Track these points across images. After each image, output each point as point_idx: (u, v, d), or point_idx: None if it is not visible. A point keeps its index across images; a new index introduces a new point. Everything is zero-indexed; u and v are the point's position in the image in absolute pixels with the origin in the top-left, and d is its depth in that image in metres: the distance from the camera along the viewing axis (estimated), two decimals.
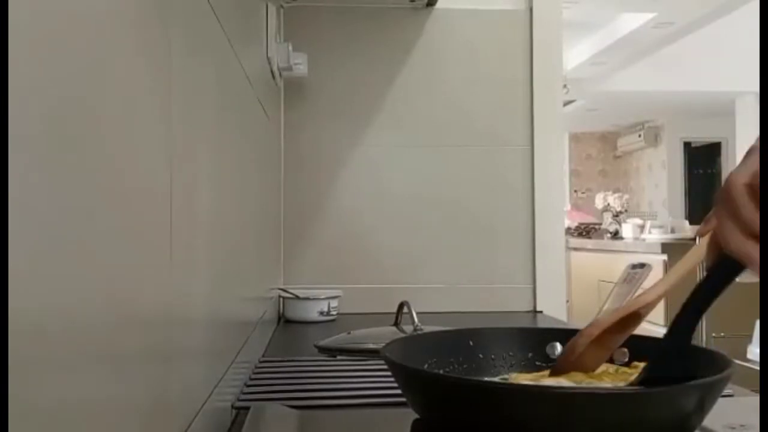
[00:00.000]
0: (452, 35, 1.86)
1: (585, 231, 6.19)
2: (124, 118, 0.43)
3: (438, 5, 1.82)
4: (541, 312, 1.83)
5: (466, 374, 0.80)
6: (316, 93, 1.83)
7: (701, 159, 8.66)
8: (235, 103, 0.94)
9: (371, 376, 0.96)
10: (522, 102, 1.86)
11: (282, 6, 1.74)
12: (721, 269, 0.59)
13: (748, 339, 3.30)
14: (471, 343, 0.82)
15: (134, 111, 0.45)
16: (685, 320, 0.62)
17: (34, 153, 0.30)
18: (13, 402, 0.26)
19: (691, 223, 5.07)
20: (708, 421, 0.63)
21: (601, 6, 5.20)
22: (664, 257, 3.95)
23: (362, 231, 1.83)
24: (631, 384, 0.68)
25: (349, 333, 1.28)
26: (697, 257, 0.67)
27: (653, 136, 8.87)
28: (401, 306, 1.34)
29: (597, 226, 6.17)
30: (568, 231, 5.87)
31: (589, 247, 5.45)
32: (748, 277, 0.57)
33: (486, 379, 0.79)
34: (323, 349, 1.20)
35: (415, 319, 1.26)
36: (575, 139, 9.46)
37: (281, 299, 1.67)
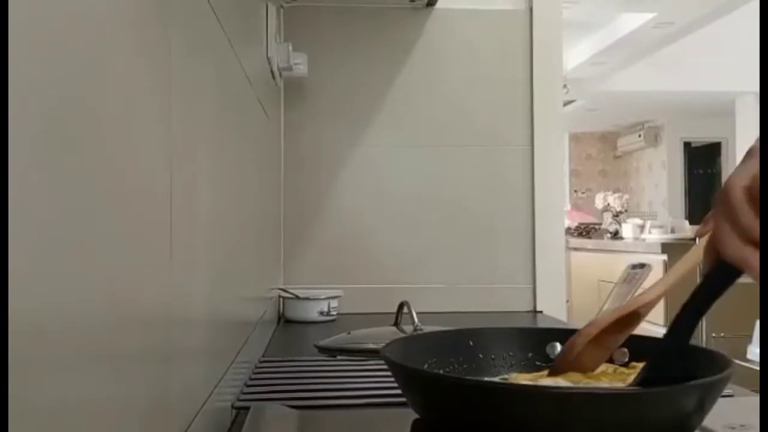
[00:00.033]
0: (452, 35, 1.86)
1: (585, 231, 6.19)
2: (124, 118, 0.43)
3: (438, 5, 1.82)
4: (541, 312, 1.83)
5: (466, 374, 0.80)
6: (316, 93, 1.83)
7: (701, 159, 8.65)
8: (235, 103, 0.94)
9: (371, 376, 0.96)
10: (522, 102, 1.86)
11: (282, 6, 1.74)
12: (719, 273, 0.59)
13: (748, 339, 3.30)
14: (471, 343, 0.82)
15: (134, 111, 0.45)
16: (684, 321, 0.62)
17: (34, 153, 0.30)
18: (13, 402, 0.26)
19: (691, 223, 5.07)
20: (708, 421, 0.63)
21: (601, 6, 5.20)
22: (664, 257, 3.95)
23: (362, 231, 1.83)
24: (631, 384, 0.68)
25: (349, 333, 1.28)
26: (696, 257, 0.67)
27: (653, 136, 8.86)
28: (401, 306, 1.34)
29: (597, 226, 6.17)
30: (568, 231, 5.87)
31: (589, 247, 5.45)
32: (745, 278, 0.57)
33: (486, 379, 0.79)
34: (323, 349, 1.20)
35: (415, 319, 1.26)
36: (575, 139, 9.46)
37: (281, 299, 1.67)
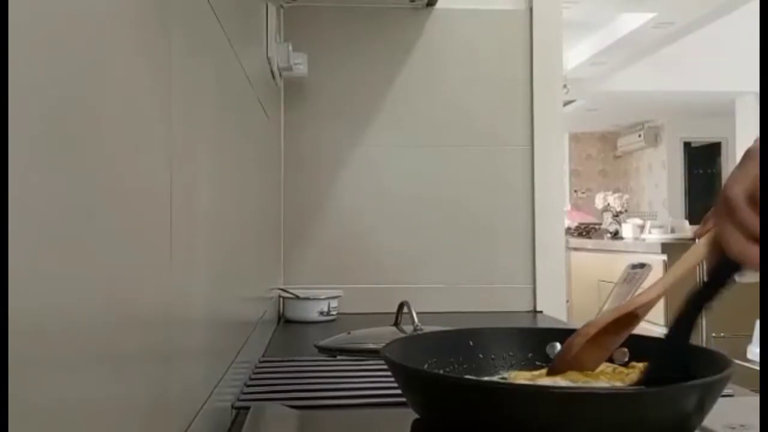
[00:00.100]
0: (452, 35, 1.86)
1: (585, 231, 6.19)
2: (124, 118, 0.43)
3: (438, 5, 1.82)
4: (541, 312, 1.83)
5: (466, 374, 0.80)
6: (316, 93, 1.83)
7: (701, 159, 8.66)
8: (235, 103, 0.94)
9: (371, 376, 0.96)
10: (522, 102, 1.86)
11: (282, 6, 1.74)
12: (722, 271, 0.60)
13: (748, 339, 3.30)
14: (471, 343, 0.82)
15: (134, 111, 0.45)
16: (685, 321, 0.62)
17: (34, 153, 0.30)
18: (13, 402, 0.26)
19: (691, 223, 5.06)
20: (708, 421, 0.63)
21: (601, 6, 5.20)
22: (664, 257, 3.95)
23: (362, 231, 1.83)
24: (632, 384, 0.68)
25: (349, 333, 1.28)
26: (695, 258, 0.67)
27: (653, 136, 8.87)
28: (401, 306, 1.34)
29: (597, 226, 6.17)
30: (568, 231, 5.87)
31: (589, 247, 5.45)
32: (751, 277, 0.58)
33: (486, 378, 0.79)
34: (323, 349, 1.20)
35: (415, 319, 1.26)
36: (575, 139, 9.46)
37: (281, 299, 1.67)
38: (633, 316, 0.71)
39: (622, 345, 0.75)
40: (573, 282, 5.08)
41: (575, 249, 5.48)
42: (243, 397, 0.88)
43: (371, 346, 1.14)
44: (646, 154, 9.12)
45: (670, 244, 4.15)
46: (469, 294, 1.83)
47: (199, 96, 0.67)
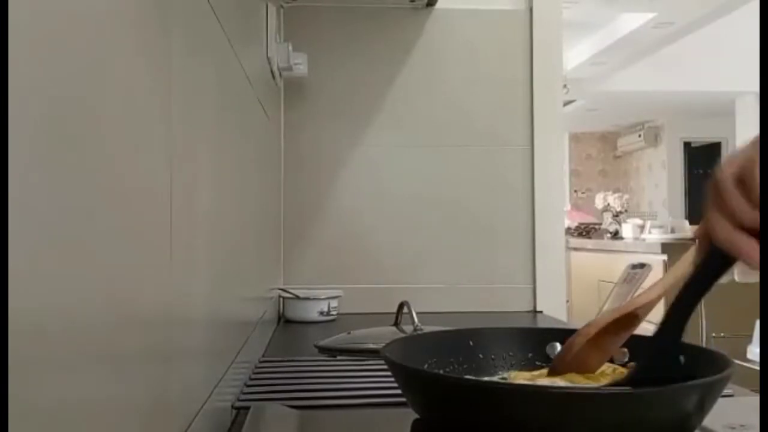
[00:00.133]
0: (452, 35, 1.86)
1: (585, 231, 6.19)
2: (124, 118, 0.43)
3: (438, 5, 1.82)
4: (541, 312, 1.83)
5: (466, 374, 0.80)
6: (316, 93, 1.83)
7: (701, 159, 8.65)
8: (235, 103, 0.94)
9: (371, 376, 0.96)
10: (522, 102, 1.86)
11: (282, 6, 1.74)
12: (711, 262, 0.58)
13: (748, 339, 3.30)
14: (471, 343, 0.82)
15: (134, 111, 0.45)
16: (675, 316, 0.62)
17: (34, 153, 0.30)
18: (13, 402, 0.26)
19: (691, 223, 5.06)
20: (708, 421, 0.63)
21: (601, 6, 5.20)
22: (664, 257, 3.94)
23: (362, 231, 1.83)
24: (618, 383, 0.67)
25: (349, 333, 1.28)
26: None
27: (653, 136, 8.87)
28: (401, 306, 1.34)
29: (597, 226, 6.17)
30: (568, 231, 5.87)
31: (589, 247, 5.45)
32: (751, 277, 0.57)
33: (486, 379, 0.79)
34: (323, 349, 1.20)
35: (415, 319, 1.26)
36: (575, 139, 9.46)
37: (281, 299, 1.67)
38: (633, 317, 0.71)
39: (623, 345, 0.75)
40: (573, 282, 5.08)
41: (575, 249, 5.48)
42: (243, 397, 0.88)
43: (371, 346, 1.14)
44: (646, 154, 9.12)
45: (670, 244, 4.15)
46: (469, 294, 1.83)
47: (199, 96, 0.67)
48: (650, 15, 5.24)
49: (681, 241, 4.31)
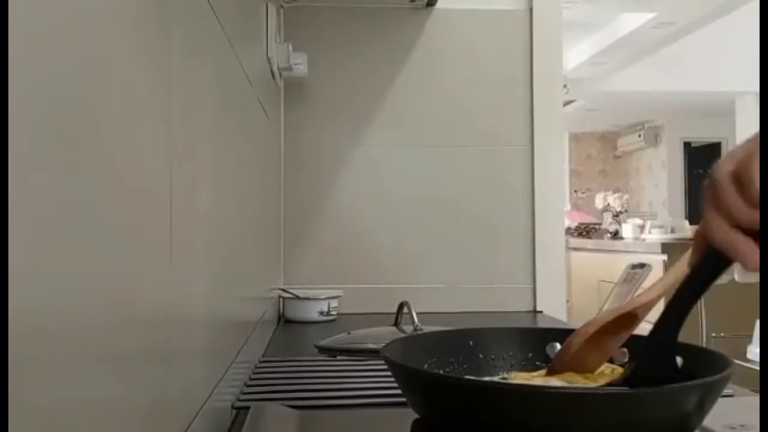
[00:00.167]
0: (452, 35, 1.86)
1: (585, 231, 6.19)
2: (124, 118, 0.43)
3: (438, 5, 1.82)
4: (541, 312, 1.83)
5: (466, 374, 0.80)
6: (316, 93, 1.83)
7: (701, 159, 8.65)
8: (235, 103, 0.94)
9: (371, 376, 0.96)
10: (522, 102, 1.86)
11: (282, 6, 1.74)
12: (707, 264, 0.58)
13: (748, 339, 3.30)
14: (471, 343, 0.82)
15: (134, 111, 0.45)
16: (671, 318, 0.62)
17: (34, 153, 0.30)
18: (13, 402, 0.26)
19: (691, 223, 5.07)
20: (708, 421, 0.63)
21: (601, 6, 5.20)
22: (664, 257, 3.95)
23: (362, 231, 1.83)
24: (614, 383, 0.67)
25: (349, 333, 1.28)
26: None
27: (653, 136, 8.87)
28: (401, 306, 1.34)
29: (597, 226, 6.17)
30: (568, 231, 5.87)
31: (589, 247, 5.45)
32: (751, 277, 0.57)
33: (486, 378, 0.79)
34: (323, 349, 1.20)
35: (415, 319, 1.26)
36: (575, 139, 9.46)
37: (281, 299, 1.67)
38: (633, 317, 0.71)
39: (622, 345, 0.75)
40: (573, 282, 5.08)
41: (575, 249, 5.48)
42: (243, 397, 0.88)
43: (371, 346, 1.14)
44: (646, 154, 9.13)
45: (670, 244, 4.15)
46: (469, 294, 1.83)
47: (199, 96, 0.67)
48: (650, 15, 5.25)
49: (681, 241, 4.32)
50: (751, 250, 0.53)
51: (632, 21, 5.47)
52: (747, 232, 0.53)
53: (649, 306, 0.71)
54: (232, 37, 0.86)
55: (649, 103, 7.76)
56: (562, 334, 0.80)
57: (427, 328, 1.18)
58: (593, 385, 0.71)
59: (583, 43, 6.14)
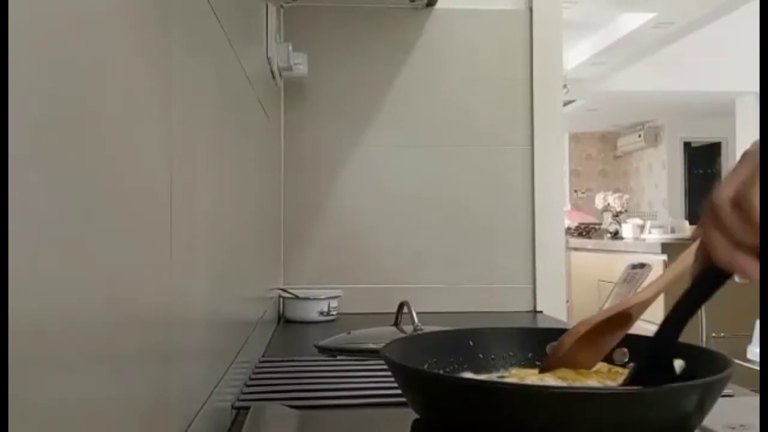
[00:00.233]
0: (452, 35, 1.86)
1: (585, 231, 6.19)
2: (124, 118, 0.43)
3: (438, 5, 1.82)
4: (541, 312, 1.83)
5: (465, 374, 0.80)
6: (316, 93, 1.83)
7: (701, 159, 8.65)
8: (235, 103, 0.94)
9: (371, 376, 0.96)
10: (522, 102, 1.86)
11: (282, 6, 1.74)
12: (709, 277, 0.59)
13: (748, 339, 3.30)
14: (471, 343, 0.82)
15: (134, 111, 0.45)
16: (671, 326, 0.62)
17: (34, 153, 0.30)
18: (13, 402, 0.27)
19: (691, 223, 5.07)
20: (708, 421, 0.63)
21: (601, 6, 5.20)
22: (664, 257, 3.95)
23: (362, 231, 1.83)
24: (620, 385, 0.68)
25: (349, 333, 1.28)
26: (691, 259, 0.67)
27: (653, 136, 8.86)
28: (401, 306, 1.34)
29: (597, 226, 6.17)
30: (568, 231, 5.87)
31: (589, 247, 5.45)
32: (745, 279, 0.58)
33: (483, 375, 0.79)
34: (323, 349, 1.20)
35: (415, 319, 1.26)
36: (575, 139, 9.46)
37: (281, 299, 1.67)
38: (626, 316, 0.71)
39: (623, 345, 0.75)
40: (573, 282, 5.08)
41: (575, 249, 5.48)
42: (243, 397, 0.88)
43: (371, 346, 1.14)
44: (646, 154, 9.12)
45: (670, 244, 4.15)
46: (469, 294, 1.83)
47: (199, 96, 0.67)
48: (650, 15, 5.24)
49: (681, 241, 4.31)
50: (753, 267, 0.55)
51: (632, 21, 5.47)
52: (749, 249, 0.54)
53: (643, 306, 0.71)
54: (232, 37, 0.86)
55: (649, 103, 7.75)
56: (562, 334, 0.80)
57: (427, 328, 1.18)
58: (588, 381, 0.71)
59: (583, 43, 6.14)
